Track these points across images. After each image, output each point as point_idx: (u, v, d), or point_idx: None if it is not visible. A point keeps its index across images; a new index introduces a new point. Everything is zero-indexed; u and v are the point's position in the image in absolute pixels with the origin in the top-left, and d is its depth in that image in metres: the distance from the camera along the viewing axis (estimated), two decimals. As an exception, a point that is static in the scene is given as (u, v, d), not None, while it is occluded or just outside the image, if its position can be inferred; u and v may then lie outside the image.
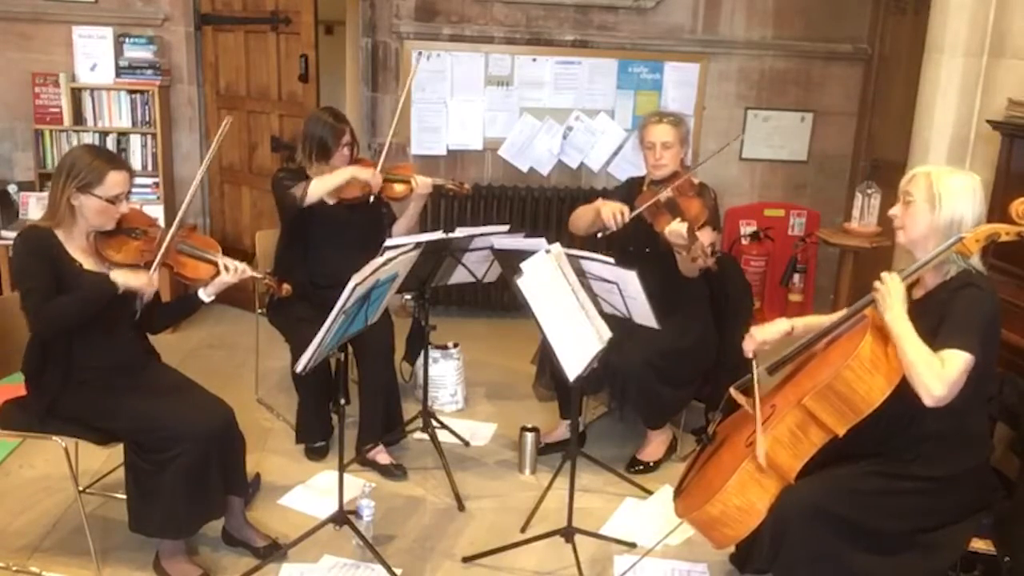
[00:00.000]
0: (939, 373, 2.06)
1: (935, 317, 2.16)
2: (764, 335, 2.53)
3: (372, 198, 3.46)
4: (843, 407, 2.19)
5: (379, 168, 3.51)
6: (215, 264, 2.74)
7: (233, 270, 2.72)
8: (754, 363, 2.48)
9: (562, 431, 3.56)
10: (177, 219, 2.71)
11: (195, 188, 2.81)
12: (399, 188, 3.59)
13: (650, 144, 3.34)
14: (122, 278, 2.55)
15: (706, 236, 3.19)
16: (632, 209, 3.24)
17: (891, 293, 2.17)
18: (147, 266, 2.65)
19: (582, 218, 3.46)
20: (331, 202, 3.51)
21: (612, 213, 3.21)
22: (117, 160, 2.64)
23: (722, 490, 2.27)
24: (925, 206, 2.22)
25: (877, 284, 2.21)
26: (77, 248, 2.60)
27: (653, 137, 3.33)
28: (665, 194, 3.24)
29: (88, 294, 2.52)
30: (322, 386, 3.30)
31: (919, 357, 2.08)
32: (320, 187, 3.35)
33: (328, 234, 3.46)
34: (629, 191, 3.51)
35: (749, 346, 2.53)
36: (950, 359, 2.07)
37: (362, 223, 3.50)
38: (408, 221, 3.67)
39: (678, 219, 3.08)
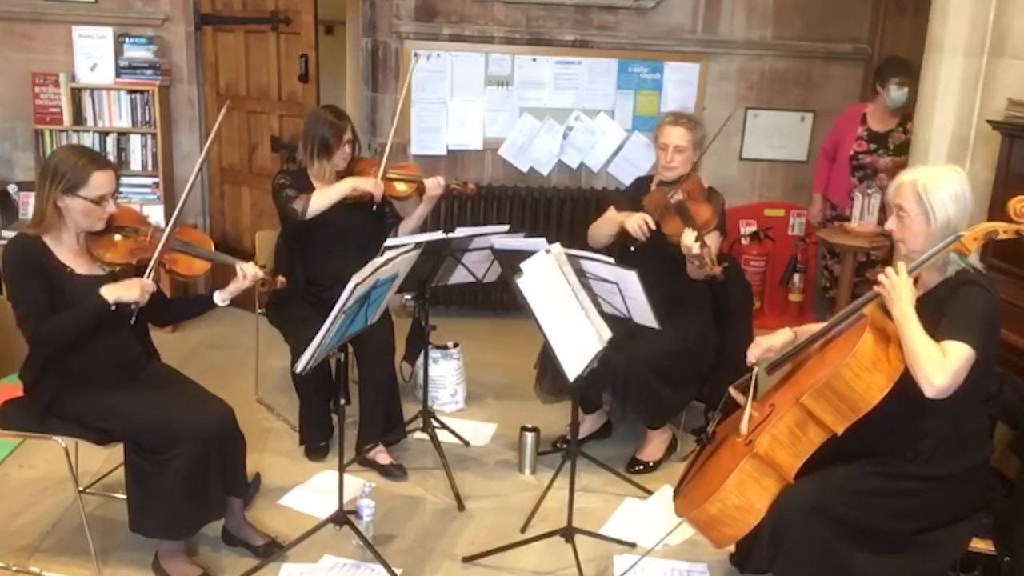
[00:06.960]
0: (941, 363, 2.07)
1: (935, 314, 2.17)
2: (767, 345, 2.52)
3: (375, 206, 3.45)
4: (842, 405, 2.20)
5: (381, 172, 3.50)
6: (209, 260, 2.76)
7: (242, 275, 2.73)
8: (755, 369, 2.49)
9: (587, 426, 3.62)
10: (173, 217, 2.71)
11: (193, 179, 2.78)
12: (402, 187, 3.58)
13: (663, 145, 3.33)
14: (112, 294, 2.50)
15: (713, 241, 3.18)
16: (642, 210, 3.24)
17: (898, 287, 2.18)
18: (140, 264, 2.64)
19: (601, 231, 3.43)
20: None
21: (638, 225, 3.20)
22: (101, 160, 2.61)
23: (721, 489, 2.27)
24: (920, 219, 2.23)
25: (882, 279, 2.22)
26: (68, 252, 2.59)
27: (667, 139, 3.32)
28: (676, 197, 3.24)
29: (81, 312, 2.50)
30: (322, 386, 3.29)
31: (923, 347, 2.10)
32: (321, 201, 3.34)
33: (329, 235, 3.45)
34: (637, 191, 3.50)
35: (753, 353, 2.52)
36: (952, 350, 2.09)
37: (364, 224, 3.50)
38: (415, 223, 3.64)
39: (687, 230, 3.07)
